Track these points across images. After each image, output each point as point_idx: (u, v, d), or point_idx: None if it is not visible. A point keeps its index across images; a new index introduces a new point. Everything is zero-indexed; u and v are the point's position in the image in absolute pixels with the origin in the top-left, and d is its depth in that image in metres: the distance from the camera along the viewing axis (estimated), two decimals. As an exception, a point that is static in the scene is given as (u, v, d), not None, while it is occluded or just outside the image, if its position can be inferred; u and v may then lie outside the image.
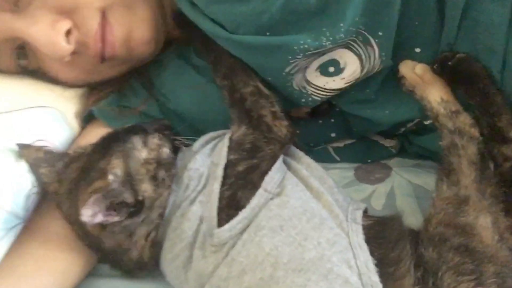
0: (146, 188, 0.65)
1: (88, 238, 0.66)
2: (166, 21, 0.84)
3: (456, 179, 0.64)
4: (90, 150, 0.68)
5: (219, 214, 0.62)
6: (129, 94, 0.84)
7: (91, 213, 0.59)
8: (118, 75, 0.84)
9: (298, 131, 0.72)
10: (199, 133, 0.75)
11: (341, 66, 0.72)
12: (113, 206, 0.62)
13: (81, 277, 0.71)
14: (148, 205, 0.65)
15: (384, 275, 0.57)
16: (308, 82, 0.74)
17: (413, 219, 0.70)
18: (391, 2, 0.66)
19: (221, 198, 0.63)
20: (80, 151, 0.70)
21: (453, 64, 0.68)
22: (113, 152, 0.66)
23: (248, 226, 0.61)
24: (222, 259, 0.60)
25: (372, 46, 0.70)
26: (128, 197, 0.63)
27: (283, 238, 0.59)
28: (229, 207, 0.63)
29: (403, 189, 0.80)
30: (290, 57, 0.68)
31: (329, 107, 0.84)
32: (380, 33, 0.68)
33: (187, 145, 0.73)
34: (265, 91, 0.71)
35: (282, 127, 0.69)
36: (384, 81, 0.76)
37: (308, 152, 0.74)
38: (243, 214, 0.62)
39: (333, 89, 0.75)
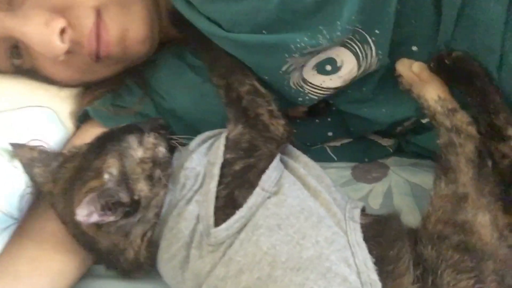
0: (142, 188, 0.64)
1: (84, 238, 0.66)
2: (162, 20, 0.83)
3: (454, 177, 0.64)
4: (85, 150, 0.68)
5: (216, 213, 0.62)
6: (124, 93, 0.83)
7: (86, 213, 0.59)
8: (113, 74, 0.83)
9: (295, 130, 0.72)
10: (195, 132, 0.74)
11: (338, 64, 0.72)
12: (109, 206, 0.61)
13: (76, 277, 0.71)
14: (144, 204, 0.64)
15: (383, 273, 0.57)
16: (305, 80, 0.74)
17: (410, 218, 0.70)
18: (387, 0, 0.66)
19: (217, 197, 0.63)
20: (75, 151, 0.69)
21: (450, 62, 0.68)
22: (109, 151, 0.65)
23: (245, 225, 0.61)
24: (219, 259, 0.60)
25: (369, 44, 0.69)
26: (124, 197, 0.63)
27: (281, 237, 0.59)
28: (226, 206, 0.62)
29: (401, 188, 0.80)
30: (287, 55, 0.68)
31: (326, 106, 0.84)
32: (377, 31, 0.68)
33: (183, 144, 0.73)
34: (262, 90, 0.71)
35: (279, 126, 0.69)
36: (381, 80, 0.76)
37: (305, 151, 0.73)
38: (240, 213, 0.61)
39: (330, 88, 0.75)
